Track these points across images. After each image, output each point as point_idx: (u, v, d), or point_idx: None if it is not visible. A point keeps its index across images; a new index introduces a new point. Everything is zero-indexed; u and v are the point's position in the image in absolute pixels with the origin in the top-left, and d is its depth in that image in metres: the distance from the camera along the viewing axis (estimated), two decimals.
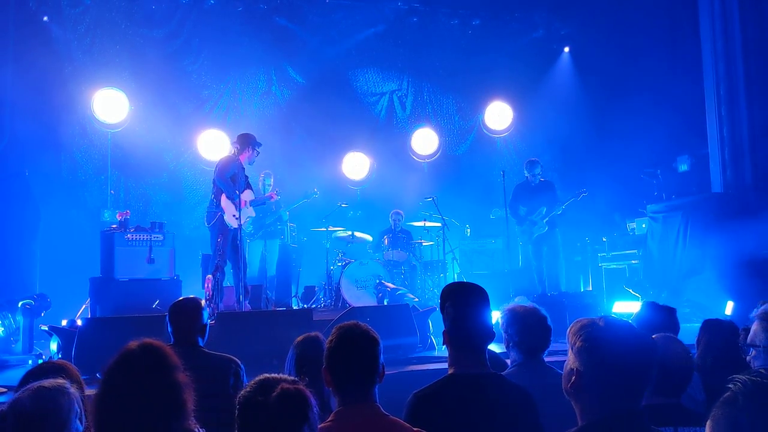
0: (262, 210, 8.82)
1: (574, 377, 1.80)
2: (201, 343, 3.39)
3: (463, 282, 2.69)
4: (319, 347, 2.86)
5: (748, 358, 3.03)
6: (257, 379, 1.89)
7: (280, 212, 9.02)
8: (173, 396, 1.77)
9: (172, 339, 3.36)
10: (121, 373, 1.77)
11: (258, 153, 7.09)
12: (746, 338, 3.21)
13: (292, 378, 1.93)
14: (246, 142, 7.01)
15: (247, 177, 7.05)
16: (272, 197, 7.59)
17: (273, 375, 1.95)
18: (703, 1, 9.29)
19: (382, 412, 2.16)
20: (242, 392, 1.83)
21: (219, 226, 6.78)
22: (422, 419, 2.25)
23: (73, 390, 2.04)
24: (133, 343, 1.84)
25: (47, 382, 2.01)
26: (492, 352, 3.47)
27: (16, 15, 9.04)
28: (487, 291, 2.53)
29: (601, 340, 1.77)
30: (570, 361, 1.83)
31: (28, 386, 2.00)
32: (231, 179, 6.83)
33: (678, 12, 10.25)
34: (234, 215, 6.68)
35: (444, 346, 2.51)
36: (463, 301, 2.45)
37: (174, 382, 1.79)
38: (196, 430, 2.03)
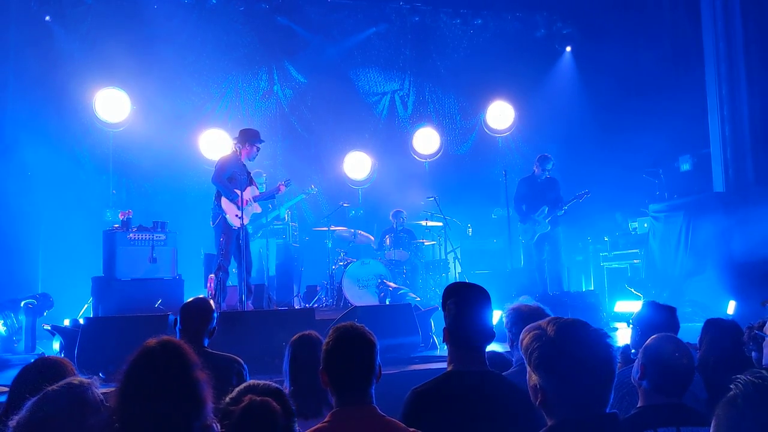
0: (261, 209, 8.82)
1: (539, 395, 1.76)
2: (206, 344, 3.40)
3: (466, 282, 2.71)
4: (313, 347, 2.88)
5: (755, 353, 3.05)
6: (243, 385, 1.99)
7: (279, 210, 9.02)
8: (194, 393, 1.80)
9: (178, 338, 3.36)
10: (142, 370, 1.79)
11: (258, 149, 7.04)
12: (748, 336, 3.22)
13: (275, 387, 1.98)
14: (245, 138, 6.97)
15: (249, 173, 7.01)
16: (280, 189, 7.33)
17: (259, 382, 2.03)
18: (704, 1, 9.28)
19: (378, 413, 2.18)
20: (227, 397, 1.92)
21: (222, 226, 6.79)
22: (420, 415, 2.27)
23: (85, 385, 2.04)
24: (152, 341, 1.86)
25: (56, 386, 2.01)
26: (497, 353, 3.48)
27: (17, 14, 9.06)
28: (489, 291, 2.53)
29: (554, 353, 1.72)
30: (531, 377, 1.79)
31: (44, 391, 2.00)
32: (230, 179, 6.82)
33: (680, 11, 10.24)
34: (236, 215, 6.68)
35: (445, 345, 2.51)
36: (464, 300, 2.46)
37: (194, 378, 1.82)
38: (215, 425, 2.05)
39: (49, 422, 1.91)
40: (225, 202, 6.76)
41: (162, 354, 1.81)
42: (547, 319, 1.82)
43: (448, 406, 2.31)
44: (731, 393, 1.48)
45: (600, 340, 1.75)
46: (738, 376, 1.49)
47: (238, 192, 6.66)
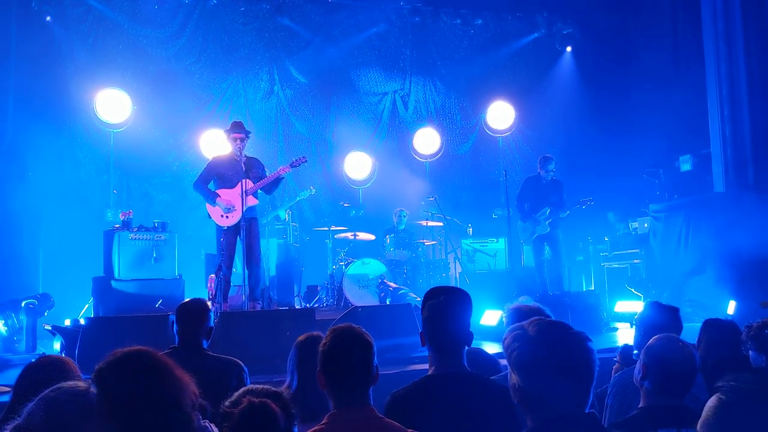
0: (262, 209, 8.80)
1: (518, 394, 1.76)
2: (205, 346, 3.38)
3: (445, 285, 2.70)
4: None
5: (752, 353, 3.06)
6: (242, 389, 1.98)
7: (278, 211, 9.00)
8: (171, 402, 1.70)
9: (177, 340, 3.36)
10: (110, 384, 1.70)
11: (239, 139, 6.57)
12: (747, 336, 3.23)
13: (274, 390, 1.98)
14: (228, 131, 6.72)
15: (243, 167, 6.55)
16: (280, 172, 6.81)
17: (257, 386, 2.01)
18: (705, 1, 9.28)
19: (376, 415, 2.17)
20: (227, 400, 1.91)
21: (218, 226, 6.74)
22: (398, 419, 2.26)
23: (91, 391, 1.99)
24: (118, 351, 1.75)
25: (57, 391, 1.94)
26: (484, 353, 3.48)
27: (18, 15, 9.07)
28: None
29: (533, 352, 1.71)
30: (511, 376, 1.78)
31: (42, 396, 1.96)
32: (218, 178, 6.68)
33: (680, 12, 10.24)
34: (221, 215, 6.60)
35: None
36: (439, 304, 2.45)
37: (167, 388, 1.72)
38: (209, 426, 2.02)
39: (64, 428, 1.87)
40: (208, 206, 6.69)
41: (127, 366, 1.71)
42: (530, 319, 1.82)
43: (426, 409, 2.31)
44: (715, 397, 1.50)
45: (580, 341, 1.74)
46: (718, 382, 1.51)
47: (219, 193, 6.58)
